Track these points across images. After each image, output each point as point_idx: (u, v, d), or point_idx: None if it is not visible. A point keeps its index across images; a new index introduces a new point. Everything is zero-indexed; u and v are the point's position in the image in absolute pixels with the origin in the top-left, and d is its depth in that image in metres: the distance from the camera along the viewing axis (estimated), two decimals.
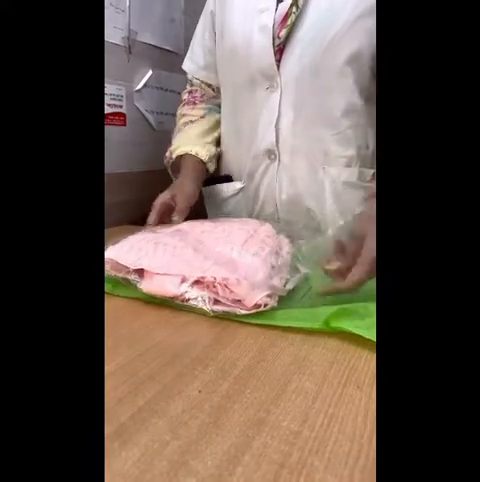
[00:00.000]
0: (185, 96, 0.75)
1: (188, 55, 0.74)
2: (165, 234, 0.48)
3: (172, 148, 0.68)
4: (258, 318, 0.37)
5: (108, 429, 0.24)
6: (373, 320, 0.34)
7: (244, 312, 0.37)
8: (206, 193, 0.75)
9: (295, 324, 0.35)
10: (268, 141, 0.62)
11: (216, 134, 0.72)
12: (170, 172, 0.70)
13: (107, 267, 0.43)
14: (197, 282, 0.39)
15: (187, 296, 0.38)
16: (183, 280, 0.39)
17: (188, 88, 0.76)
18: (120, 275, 0.42)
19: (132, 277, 0.41)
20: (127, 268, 0.42)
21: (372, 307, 0.36)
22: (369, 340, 0.33)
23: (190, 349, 0.33)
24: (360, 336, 0.34)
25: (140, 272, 0.42)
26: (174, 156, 0.67)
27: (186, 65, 0.74)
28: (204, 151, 0.67)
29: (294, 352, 0.33)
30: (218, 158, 0.71)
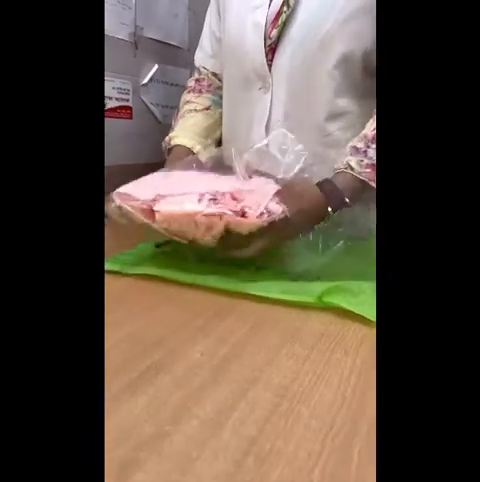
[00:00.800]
0: (191, 83, 0.76)
1: (199, 46, 0.76)
2: (178, 172, 0.51)
3: (172, 135, 0.70)
4: (256, 289, 0.40)
5: (119, 383, 0.27)
6: (365, 297, 0.36)
7: (252, 222, 0.40)
8: None
9: (290, 297, 0.38)
10: (258, 141, 0.64)
11: (217, 134, 0.74)
12: (166, 156, 0.72)
13: (117, 201, 0.44)
14: (213, 199, 0.41)
15: (205, 212, 0.40)
16: (200, 198, 0.41)
17: (195, 76, 0.77)
18: (130, 204, 0.43)
19: (143, 208, 0.43)
20: (139, 200, 0.43)
21: (365, 285, 0.39)
22: (359, 315, 0.36)
23: (193, 320, 0.36)
24: (351, 311, 0.36)
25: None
26: (172, 144, 0.69)
27: (196, 55, 0.76)
28: (206, 152, 0.69)
29: (288, 324, 0.36)
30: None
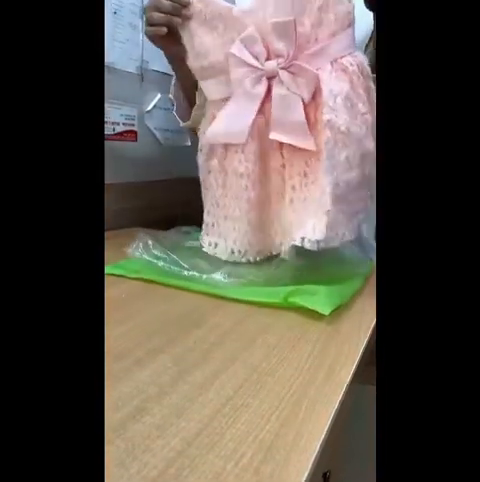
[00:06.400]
0: None
1: None
2: None
3: None
4: (236, 294, 0.49)
5: (130, 359, 0.35)
6: (318, 297, 0.45)
7: None
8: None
9: (262, 299, 0.47)
10: None
11: None
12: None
13: None
14: None
15: None
16: None
17: None
18: None
19: None
20: None
21: (320, 288, 0.48)
22: (317, 312, 0.44)
23: (187, 316, 0.44)
24: (310, 310, 0.45)
25: None
26: None
27: None
28: None
29: (263, 320, 0.44)
30: None
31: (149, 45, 0.91)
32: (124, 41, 0.85)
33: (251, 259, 0.57)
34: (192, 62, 0.57)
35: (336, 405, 0.30)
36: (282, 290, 0.47)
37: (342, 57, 0.50)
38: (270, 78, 0.51)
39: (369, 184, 0.53)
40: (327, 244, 0.49)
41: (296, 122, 0.50)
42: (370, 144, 0.51)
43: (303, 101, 0.50)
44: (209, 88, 0.58)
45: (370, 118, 0.51)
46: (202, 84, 0.59)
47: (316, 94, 0.50)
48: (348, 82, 0.49)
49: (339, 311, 0.47)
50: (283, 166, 0.54)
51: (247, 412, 0.29)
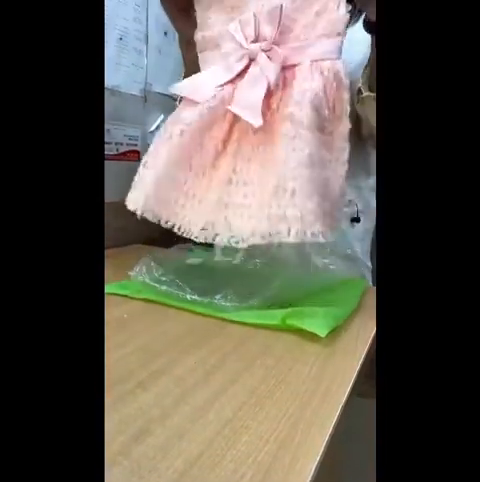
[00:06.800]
0: None
1: None
2: None
3: None
4: (236, 316, 0.50)
5: (133, 382, 0.36)
6: (316, 319, 0.47)
7: None
8: None
9: (261, 321, 0.49)
10: None
11: None
12: None
13: None
14: None
15: None
16: None
17: None
18: None
19: None
20: None
21: (317, 309, 0.49)
22: (315, 334, 0.46)
23: (188, 337, 0.46)
24: (308, 331, 0.46)
25: None
26: None
27: None
28: None
29: (262, 342, 0.46)
30: None
31: (152, 68, 0.94)
32: (129, 65, 0.88)
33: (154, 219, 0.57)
34: (197, 32, 0.59)
35: (330, 428, 0.32)
36: (280, 312, 0.49)
37: (322, 60, 0.51)
38: (252, 60, 0.53)
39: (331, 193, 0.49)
40: (264, 240, 0.46)
41: (254, 99, 0.51)
42: (326, 153, 0.50)
43: (269, 86, 0.51)
44: (205, 60, 0.59)
45: (329, 127, 0.51)
46: (200, 56, 0.60)
47: (287, 87, 0.51)
48: (322, 85, 0.50)
49: (335, 332, 0.48)
50: (223, 142, 0.54)
51: (247, 434, 0.31)
